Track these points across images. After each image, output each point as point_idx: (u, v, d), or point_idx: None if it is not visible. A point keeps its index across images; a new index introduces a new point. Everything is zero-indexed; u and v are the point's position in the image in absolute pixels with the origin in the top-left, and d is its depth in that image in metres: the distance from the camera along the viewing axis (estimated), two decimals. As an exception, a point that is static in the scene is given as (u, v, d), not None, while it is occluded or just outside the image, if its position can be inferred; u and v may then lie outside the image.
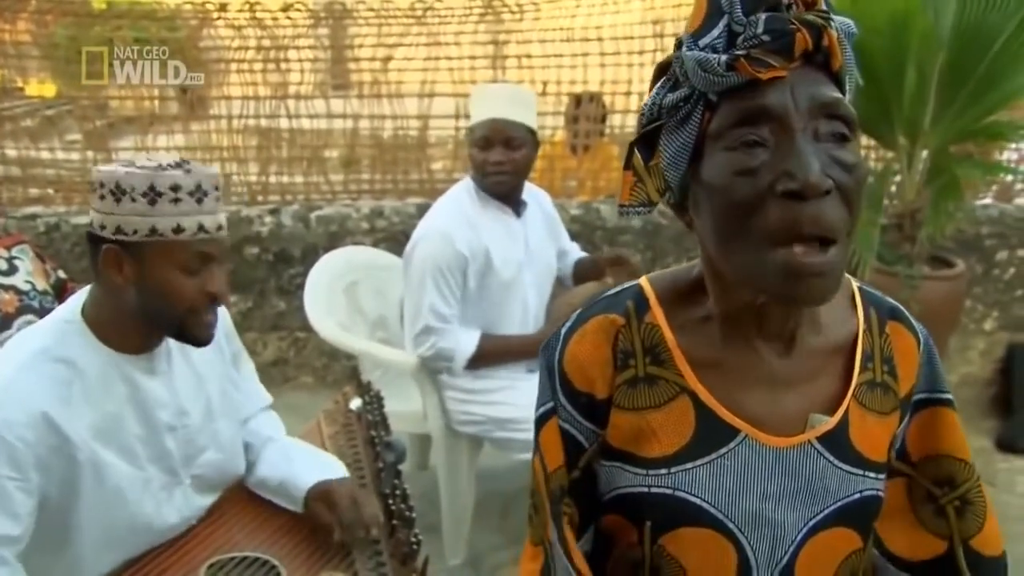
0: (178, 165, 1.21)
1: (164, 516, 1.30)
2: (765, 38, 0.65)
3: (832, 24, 0.67)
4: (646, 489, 0.77)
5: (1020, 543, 2.58)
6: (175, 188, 1.18)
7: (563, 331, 0.82)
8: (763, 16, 0.66)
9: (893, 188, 3.05)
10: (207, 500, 1.40)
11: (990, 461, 3.15)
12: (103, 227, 1.20)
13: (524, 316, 2.28)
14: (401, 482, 1.51)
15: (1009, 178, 3.73)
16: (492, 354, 2.19)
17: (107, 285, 1.23)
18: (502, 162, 2.15)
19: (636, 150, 0.76)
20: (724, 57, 0.66)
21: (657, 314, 0.79)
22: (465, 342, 2.17)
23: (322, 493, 1.39)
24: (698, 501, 0.76)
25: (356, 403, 1.76)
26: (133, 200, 1.18)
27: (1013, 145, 3.66)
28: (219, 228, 1.24)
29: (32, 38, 3.92)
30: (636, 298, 0.81)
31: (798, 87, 0.66)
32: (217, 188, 1.24)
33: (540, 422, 0.82)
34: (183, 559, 1.29)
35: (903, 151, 2.95)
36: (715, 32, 0.68)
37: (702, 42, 0.68)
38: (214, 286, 1.24)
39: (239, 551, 1.33)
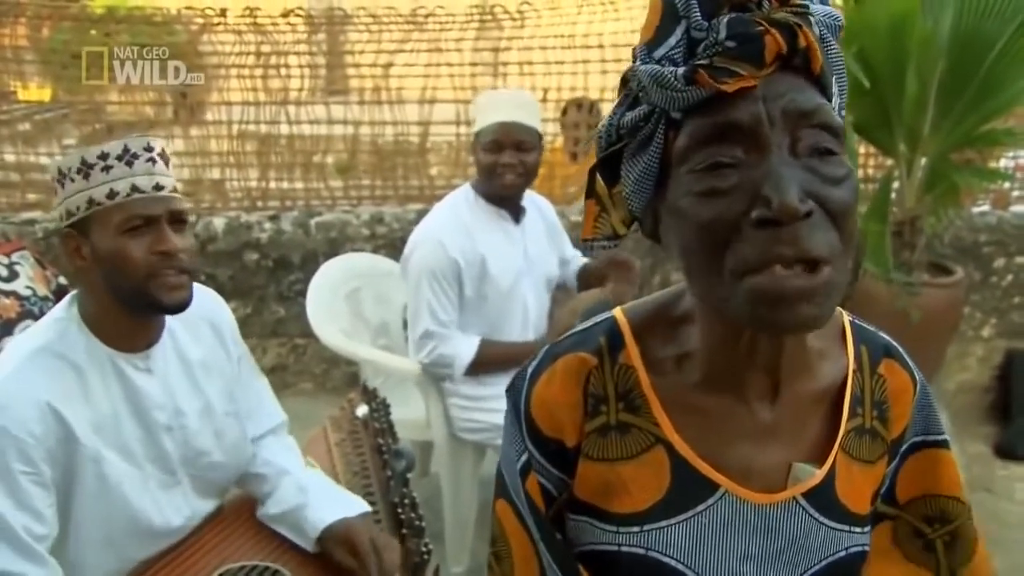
0: (109, 138, 1.23)
1: (165, 516, 1.29)
2: (729, 44, 0.57)
3: (811, 19, 0.59)
4: (616, 548, 0.71)
5: (1019, 550, 2.59)
6: (103, 156, 1.21)
7: (530, 370, 0.75)
8: (726, 19, 0.58)
9: (892, 195, 3.07)
10: (209, 503, 1.39)
11: (989, 468, 3.16)
12: (61, 218, 1.24)
13: (524, 323, 2.28)
14: (410, 490, 1.51)
15: (1006, 185, 3.75)
16: (492, 361, 2.19)
17: (80, 275, 1.25)
18: (513, 164, 2.15)
19: (599, 177, 0.68)
20: (682, 70, 0.58)
21: (632, 353, 0.72)
22: (465, 348, 2.17)
23: (341, 535, 1.35)
24: (673, 563, 0.70)
25: (362, 410, 1.76)
26: (72, 180, 1.21)
27: (1011, 153, 3.69)
28: (157, 187, 1.23)
29: (29, 43, 3.91)
30: (610, 333, 0.73)
31: (772, 96, 0.58)
32: (149, 150, 1.23)
33: (524, 473, 0.74)
34: (193, 568, 1.28)
35: (903, 158, 2.97)
36: (672, 41, 0.60)
37: (657, 53, 0.60)
38: (161, 244, 1.21)
39: (249, 560, 1.32)
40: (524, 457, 0.74)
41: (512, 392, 0.76)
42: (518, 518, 0.75)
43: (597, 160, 0.68)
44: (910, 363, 0.78)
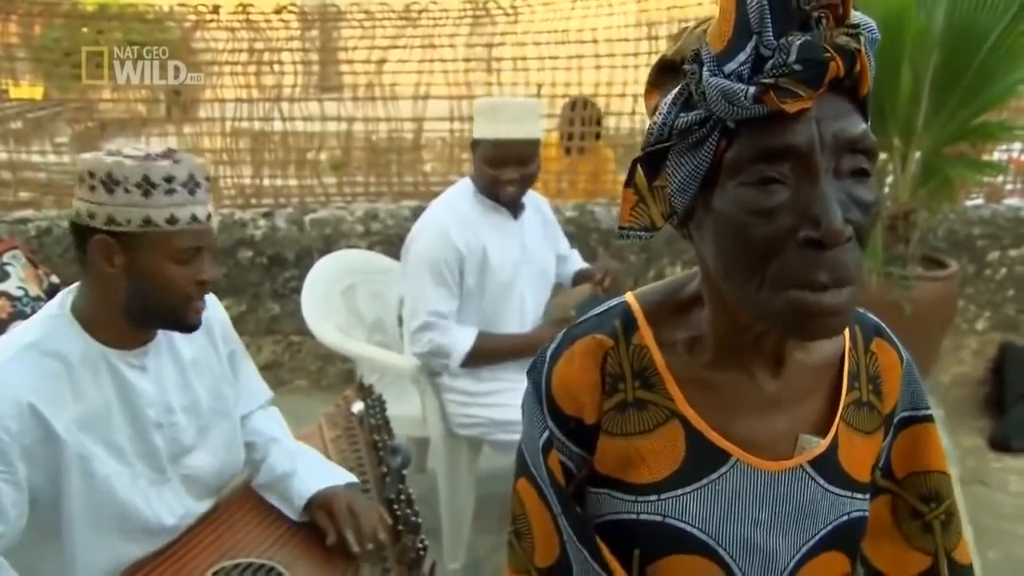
0: (167, 155, 1.22)
1: (157, 514, 1.29)
2: (796, 67, 0.60)
3: (862, 39, 0.62)
4: (635, 516, 0.75)
5: (1015, 542, 2.60)
6: (169, 179, 1.19)
7: (548, 352, 0.79)
8: (797, 43, 0.60)
9: (886, 189, 3.07)
10: (203, 503, 1.39)
11: (983, 460, 3.17)
12: (92, 216, 1.19)
13: (521, 317, 2.29)
14: (406, 486, 1.50)
15: (999, 178, 3.76)
16: (488, 352, 2.19)
17: (96, 276, 1.23)
18: (515, 179, 2.17)
19: (640, 169, 0.71)
20: (752, 90, 0.61)
21: (646, 334, 0.77)
22: (462, 339, 2.17)
23: (322, 501, 1.39)
24: (689, 528, 0.74)
25: (358, 407, 1.76)
26: (127, 191, 1.17)
27: (1004, 146, 3.70)
28: (209, 217, 1.26)
29: (20, 40, 3.89)
30: (624, 317, 0.78)
31: (824, 120, 0.62)
32: (207, 179, 1.26)
33: (545, 450, 0.78)
34: (188, 565, 1.28)
35: (897, 152, 2.97)
36: (741, 57, 0.62)
37: (728, 67, 0.62)
38: (205, 274, 1.26)
39: (244, 557, 1.32)
40: (545, 435, 0.78)
41: (533, 374, 0.80)
42: (539, 494, 0.79)
43: (643, 152, 0.70)
44: (896, 342, 0.85)
